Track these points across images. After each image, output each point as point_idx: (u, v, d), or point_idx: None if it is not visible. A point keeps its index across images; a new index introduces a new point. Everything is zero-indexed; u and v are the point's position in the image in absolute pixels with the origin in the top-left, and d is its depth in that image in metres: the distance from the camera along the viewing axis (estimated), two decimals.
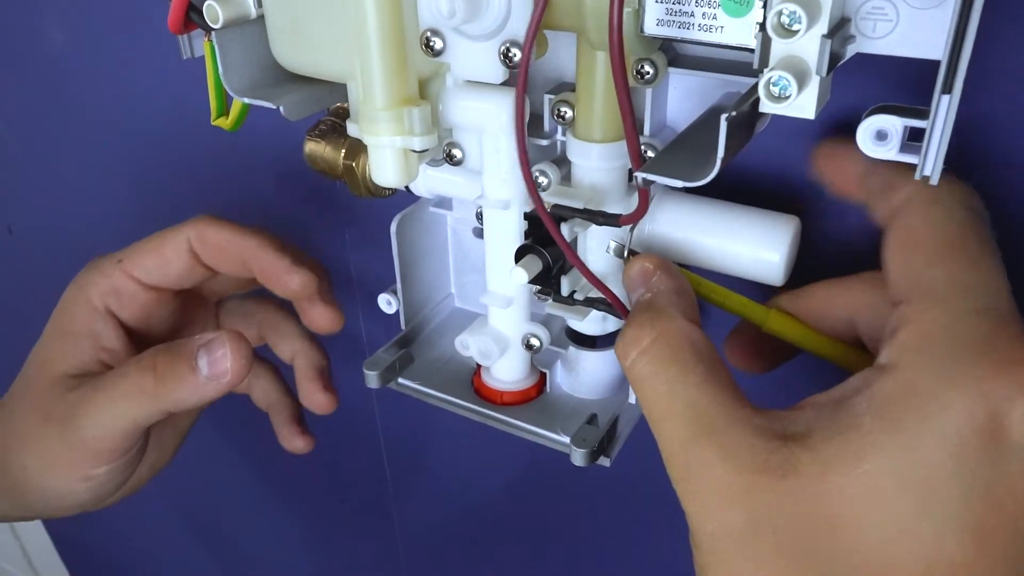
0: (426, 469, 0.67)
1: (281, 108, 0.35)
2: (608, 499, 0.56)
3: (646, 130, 0.35)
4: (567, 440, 0.38)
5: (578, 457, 0.37)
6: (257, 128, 0.45)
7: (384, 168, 0.34)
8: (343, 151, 0.42)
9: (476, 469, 0.63)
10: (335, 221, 0.56)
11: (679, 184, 0.27)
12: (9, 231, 0.75)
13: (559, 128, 0.36)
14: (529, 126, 0.35)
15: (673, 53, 0.33)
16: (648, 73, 0.32)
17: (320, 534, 0.83)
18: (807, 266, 0.35)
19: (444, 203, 0.43)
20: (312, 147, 0.43)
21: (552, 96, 0.36)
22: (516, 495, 0.62)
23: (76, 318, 0.44)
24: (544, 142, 0.37)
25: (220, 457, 0.83)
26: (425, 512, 0.70)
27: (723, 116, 0.25)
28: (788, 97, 0.25)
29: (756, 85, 0.26)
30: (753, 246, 0.33)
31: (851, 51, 0.27)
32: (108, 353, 0.44)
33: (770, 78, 0.25)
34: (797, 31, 0.24)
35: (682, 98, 0.36)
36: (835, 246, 0.37)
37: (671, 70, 0.33)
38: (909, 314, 0.26)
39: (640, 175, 0.28)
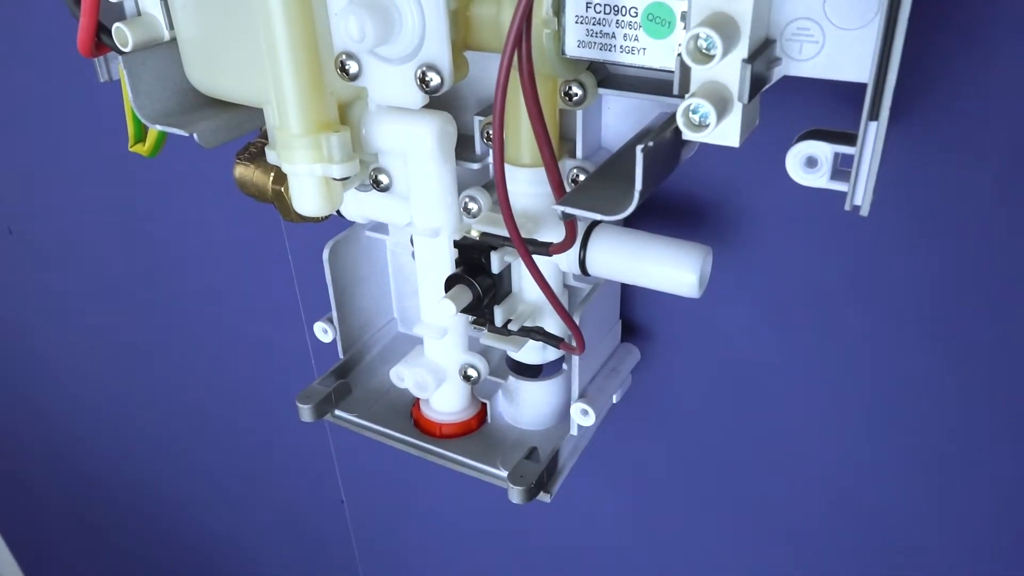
0: (384, 493, 0.65)
1: (195, 136, 0.33)
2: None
3: (578, 153, 0.33)
4: (506, 475, 0.36)
5: (515, 495, 0.35)
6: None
7: (304, 197, 0.33)
8: (272, 175, 0.40)
9: (440, 496, 0.61)
10: (278, 240, 0.54)
11: (598, 218, 0.26)
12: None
13: (490, 151, 0.35)
14: (459, 148, 0.34)
15: (605, 73, 0.32)
16: (576, 95, 0.31)
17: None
18: None
19: (381, 227, 0.41)
20: (241, 171, 0.41)
21: (482, 118, 0.34)
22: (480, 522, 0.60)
23: None
24: (475, 165, 0.35)
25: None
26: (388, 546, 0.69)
27: (638, 147, 0.24)
28: (708, 125, 0.24)
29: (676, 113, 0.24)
30: (673, 268, 0.32)
31: (778, 74, 0.25)
32: None
33: (688, 106, 0.24)
34: (714, 56, 0.23)
35: (617, 118, 0.34)
36: None
37: (604, 91, 0.32)
38: None
39: (559, 208, 0.26)
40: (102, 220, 0.64)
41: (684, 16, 0.25)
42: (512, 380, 0.39)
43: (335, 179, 0.32)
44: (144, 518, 0.92)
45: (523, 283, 0.35)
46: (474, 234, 0.34)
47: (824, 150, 0.25)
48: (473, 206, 0.34)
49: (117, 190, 0.61)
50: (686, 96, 0.24)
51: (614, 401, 0.39)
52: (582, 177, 0.33)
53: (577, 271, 0.34)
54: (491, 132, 0.34)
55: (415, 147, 0.32)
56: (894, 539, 0.42)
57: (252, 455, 0.72)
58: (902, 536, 0.41)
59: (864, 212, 0.24)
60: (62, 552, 1.11)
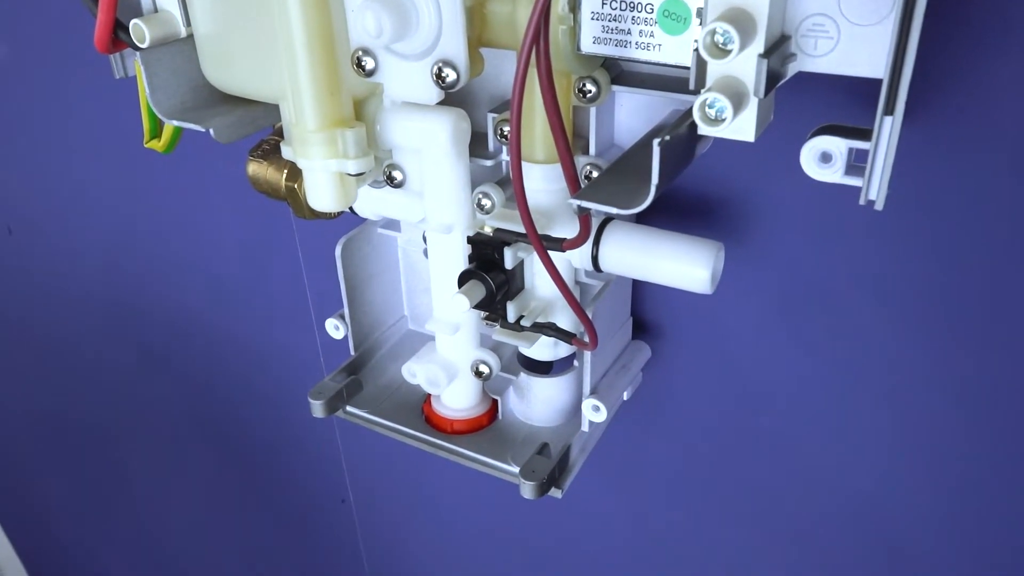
0: (391, 489, 0.65)
1: (211, 131, 0.33)
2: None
3: (592, 149, 0.34)
4: (517, 471, 0.36)
5: (527, 490, 0.35)
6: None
7: (319, 192, 0.33)
8: (285, 172, 0.40)
9: (448, 491, 0.61)
10: (289, 238, 0.55)
11: (614, 211, 0.26)
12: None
13: (503, 148, 0.35)
14: (472, 145, 0.34)
15: (618, 70, 0.32)
16: (590, 91, 0.31)
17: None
18: None
19: (392, 224, 0.41)
20: (254, 168, 0.41)
21: (495, 115, 0.34)
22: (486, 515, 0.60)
23: None
24: (488, 162, 0.35)
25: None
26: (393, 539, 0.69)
27: (655, 141, 0.24)
28: (724, 120, 0.24)
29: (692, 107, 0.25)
30: (685, 264, 0.32)
31: (793, 69, 0.26)
32: None
33: (705, 100, 0.24)
34: (731, 51, 0.23)
35: (630, 116, 0.34)
36: None
37: (617, 88, 0.32)
38: None
39: (575, 202, 0.27)
40: (113, 216, 0.65)
41: (700, 12, 0.25)
42: (524, 376, 0.39)
43: (350, 175, 0.32)
44: (149, 515, 0.92)
45: (536, 279, 0.35)
46: (487, 230, 0.34)
47: (839, 145, 0.25)
48: (487, 202, 0.34)
49: (130, 186, 0.62)
50: (702, 91, 0.24)
51: (625, 398, 0.39)
52: (595, 174, 0.33)
53: (590, 267, 0.34)
54: (504, 129, 0.34)
55: (430, 143, 0.33)
56: (901, 541, 0.42)
57: (259, 452, 0.72)
58: (909, 539, 0.41)
59: (879, 206, 0.25)
60: (65, 549, 1.12)
